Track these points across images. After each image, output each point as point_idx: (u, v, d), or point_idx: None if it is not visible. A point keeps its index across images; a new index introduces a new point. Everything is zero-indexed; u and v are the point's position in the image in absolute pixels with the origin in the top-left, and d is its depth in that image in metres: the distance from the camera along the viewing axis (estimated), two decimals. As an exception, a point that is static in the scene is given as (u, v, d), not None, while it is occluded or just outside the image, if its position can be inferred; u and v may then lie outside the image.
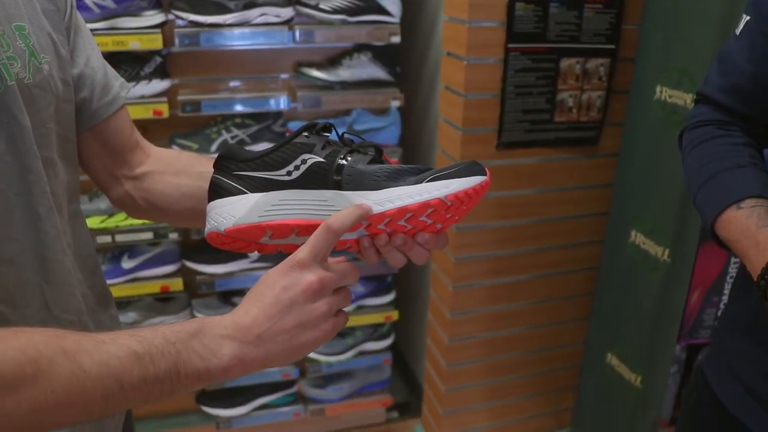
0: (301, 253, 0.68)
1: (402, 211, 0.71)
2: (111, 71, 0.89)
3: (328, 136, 0.77)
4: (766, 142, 1.08)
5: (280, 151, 0.75)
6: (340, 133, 0.78)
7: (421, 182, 0.72)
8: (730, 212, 0.93)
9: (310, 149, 0.74)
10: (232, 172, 0.76)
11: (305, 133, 0.76)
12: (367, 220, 0.72)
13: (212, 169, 0.78)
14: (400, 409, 2.51)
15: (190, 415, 2.26)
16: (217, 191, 0.76)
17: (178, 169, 0.91)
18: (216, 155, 0.78)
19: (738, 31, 1.02)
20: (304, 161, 0.74)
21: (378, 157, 0.77)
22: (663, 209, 1.75)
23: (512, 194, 1.85)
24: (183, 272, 2.01)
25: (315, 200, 0.74)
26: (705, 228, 1.00)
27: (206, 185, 0.77)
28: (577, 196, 1.92)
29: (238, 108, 1.88)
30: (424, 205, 0.71)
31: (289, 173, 0.74)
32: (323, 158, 0.73)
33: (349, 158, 0.74)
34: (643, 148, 1.79)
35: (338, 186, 0.73)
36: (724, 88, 1.05)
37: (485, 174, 0.73)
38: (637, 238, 1.84)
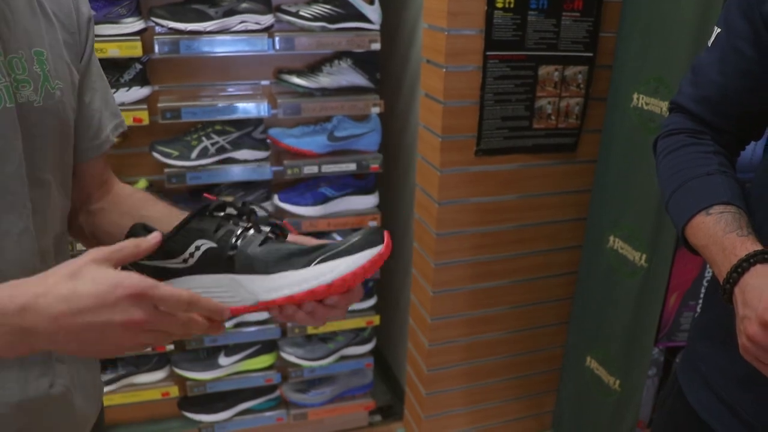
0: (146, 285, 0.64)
1: (289, 299, 0.72)
2: (110, 110, 0.92)
3: (221, 216, 0.77)
4: (737, 151, 1.11)
5: (173, 240, 0.75)
6: (239, 205, 0.77)
7: (309, 265, 0.72)
8: (699, 218, 0.95)
9: (202, 235, 0.74)
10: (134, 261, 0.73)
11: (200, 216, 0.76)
12: (260, 305, 0.73)
13: (156, 214, 0.82)
14: (383, 413, 2.52)
15: (172, 421, 2.26)
16: None
17: (123, 210, 0.92)
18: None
19: (710, 43, 1.04)
20: (197, 248, 0.74)
21: (275, 233, 0.77)
22: (640, 215, 1.77)
23: (491, 200, 1.87)
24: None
25: (212, 285, 0.75)
26: (677, 234, 1.03)
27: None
28: (556, 201, 1.94)
29: (219, 115, 1.88)
30: (310, 293, 0.72)
31: (185, 261, 0.75)
32: (215, 243, 0.74)
33: (241, 241, 0.74)
34: (620, 155, 1.81)
35: (232, 268, 0.74)
36: (696, 99, 1.08)
37: (382, 243, 0.72)
38: (615, 243, 1.86)
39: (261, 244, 0.75)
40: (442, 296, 1.93)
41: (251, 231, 0.76)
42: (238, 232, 0.75)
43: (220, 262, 0.74)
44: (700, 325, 1.13)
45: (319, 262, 0.72)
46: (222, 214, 0.77)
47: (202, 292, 0.72)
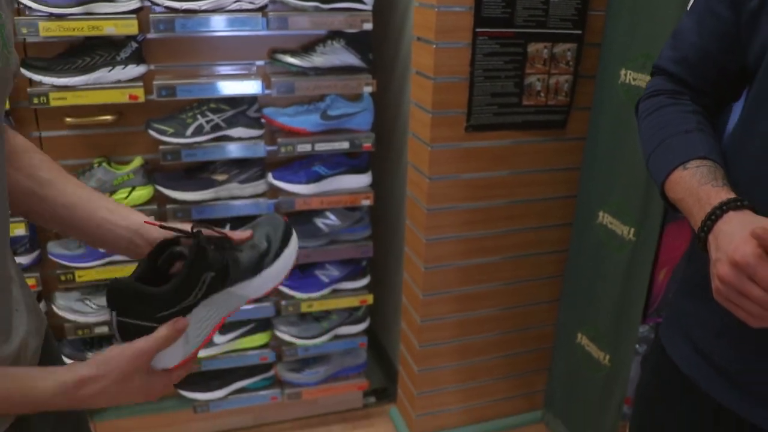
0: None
1: (273, 289, 0.97)
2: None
3: (204, 245, 0.86)
4: (717, 112, 1.14)
5: (186, 282, 0.83)
6: (193, 232, 0.87)
7: (275, 259, 0.95)
8: (677, 173, 0.98)
9: (206, 268, 0.85)
10: (155, 316, 0.81)
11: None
12: (248, 301, 0.94)
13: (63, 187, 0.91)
14: (377, 395, 2.54)
15: (167, 400, 2.28)
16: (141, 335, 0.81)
17: (16, 166, 0.89)
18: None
19: (689, 7, 1.07)
20: (204, 281, 0.85)
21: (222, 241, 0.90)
22: (628, 190, 1.79)
23: (482, 176, 1.89)
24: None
25: (213, 306, 0.88)
26: (658, 191, 1.05)
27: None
28: (546, 178, 1.96)
29: (214, 93, 1.91)
30: (283, 279, 0.97)
31: (195, 295, 0.84)
32: (214, 271, 0.86)
33: (229, 261, 0.88)
34: (609, 131, 1.84)
35: (225, 284, 0.88)
36: (676, 60, 1.11)
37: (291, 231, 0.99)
38: (604, 218, 1.88)
39: (237, 256, 0.91)
40: (433, 272, 1.95)
41: (225, 249, 0.89)
42: (220, 254, 0.88)
43: (218, 283, 0.87)
44: (683, 281, 1.15)
45: (278, 256, 0.94)
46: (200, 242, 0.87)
47: (205, 315, 0.87)
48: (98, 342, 2.09)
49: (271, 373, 2.30)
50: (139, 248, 0.92)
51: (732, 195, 0.89)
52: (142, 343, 0.79)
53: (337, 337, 2.27)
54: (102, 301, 2.01)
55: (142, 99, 1.87)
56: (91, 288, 2.05)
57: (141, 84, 1.87)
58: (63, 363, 0.94)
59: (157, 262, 0.87)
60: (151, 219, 0.93)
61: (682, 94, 1.10)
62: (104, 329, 2.05)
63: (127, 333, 0.80)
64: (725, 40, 1.01)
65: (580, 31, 1.82)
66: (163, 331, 0.80)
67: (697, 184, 0.94)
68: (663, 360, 1.13)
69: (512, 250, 2.02)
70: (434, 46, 1.73)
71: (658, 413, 1.17)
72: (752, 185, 0.93)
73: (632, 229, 1.78)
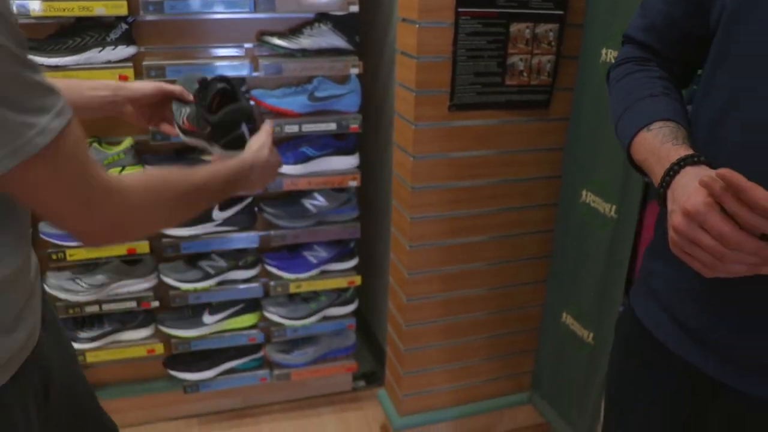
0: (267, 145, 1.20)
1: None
2: None
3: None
4: (683, 81, 1.16)
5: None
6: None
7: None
8: (641, 135, 1.01)
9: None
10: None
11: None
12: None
13: None
14: (367, 378, 2.57)
15: (158, 381, 2.31)
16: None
17: None
18: None
19: None
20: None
21: None
22: (610, 168, 1.82)
23: (466, 155, 1.92)
24: (150, 237, 2.06)
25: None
26: (627, 157, 1.08)
27: None
28: (531, 158, 1.99)
29: (203, 74, 1.93)
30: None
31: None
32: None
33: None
34: (591, 110, 1.86)
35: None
36: (643, 28, 1.14)
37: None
38: (587, 197, 1.91)
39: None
40: (418, 251, 1.98)
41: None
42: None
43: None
44: (651, 243, 1.18)
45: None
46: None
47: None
48: (89, 321, 2.12)
49: (260, 354, 2.32)
50: (118, 105, 1.19)
51: (690, 152, 0.91)
52: (264, 134, 1.20)
53: (325, 318, 2.29)
54: (92, 280, 2.04)
55: (132, 80, 1.90)
56: (82, 267, 2.08)
57: (131, 65, 1.91)
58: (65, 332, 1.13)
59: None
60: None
61: (649, 61, 1.13)
62: (95, 308, 2.08)
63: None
64: (689, 5, 1.04)
65: (561, 12, 1.85)
66: (267, 125, 1.22)
67: (658, 144, 0.96)
68: (633, 322, 1.16)
69: (497, 230, 2.04)
70: (417, 25, 1.76)
71: (629, 374, 1.20)
72: (709, 144, 0.96)
73: (614, 207, 1.81)
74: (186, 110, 1.25)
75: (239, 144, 1.18)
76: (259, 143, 1.17)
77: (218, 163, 1.08)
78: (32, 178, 0.73)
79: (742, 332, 0.94)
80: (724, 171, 0.75)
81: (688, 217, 0.81)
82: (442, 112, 1.85)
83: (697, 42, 1.06)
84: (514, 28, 1.83)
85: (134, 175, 0.90)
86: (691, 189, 0.83)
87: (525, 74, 1.89)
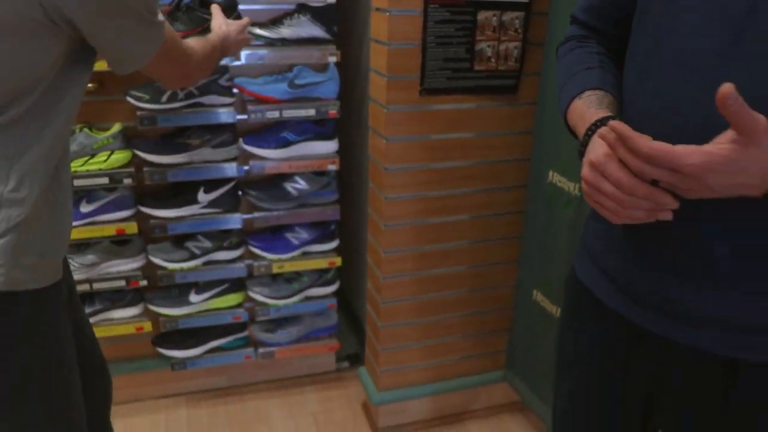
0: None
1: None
2: None
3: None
4: (622, 56, 1.26)
5: None
6: None
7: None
8: (573, 103, 1.11)
9: None
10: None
11: None
12: None
13: None
14: (351, 360, 2.66)
15: (147, 360, 2.41)
16: None
17: None
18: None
19: None
20: None
21: None
22: (574, 148, 1.90)
23: (438, 138, 2.01)
24: (138, 217, 2.16)
25: None
26: (565, 126, 1.17)
27: None
28: (500, 142, 2.08)
29: None
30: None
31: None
32: None
33: None
34: (555, 94, 1.95)
35: None
36: (584, 8, 1.24)
37: None
38: (553, 177, 2.00)
39: None
40: (393, 230, 2.07)
41: None
42: None
43: None
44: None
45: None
46: None
47: None
48: (80, 299, 2.21)
49: (245, 333, 2.42)
50: None
51: (609, 114, 1.01)
52: (239, 23, 1.68)
53: (308, 298, 2.39)
54: (83, 259, 2.14)
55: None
56: (74, 247, 2.17)
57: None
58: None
59: None
60: None
61: (589, 39, 1.22)
62: (86, 287, 2.17)
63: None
64: None
65: (526, 0, 1.95)
66: (245, 20, 1.72)
67: (585, 110, 1.06)
68: (575, 282, 1.24)
69: (469, 211, 2.13)
70: (388, 14, 1.86)
71: (572, 331, 1.28)
72: (627, 107, 1.05)
73: (576, 185, 1.90)
74: None
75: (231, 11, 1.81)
76: (231, 25, 1.65)
77: (212, 36, 1.54)
78: (158, 55, 1.16)
79: (654, 279, 1.02)
80: (615, 123, 0.84)
81: (593, 168, 0.90)
82: (414, 96, 1.95)
83: (631, 20, 1.15)
84: (482, 16, 1.93)
85: (190, 43, 1.34)
86: (597, 143, 0.93)
87: (493, 60, 1.98)
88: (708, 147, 0.78)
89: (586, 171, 0.92)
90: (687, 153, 0.78)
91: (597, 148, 0.91)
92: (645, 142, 0.81)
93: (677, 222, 0.90)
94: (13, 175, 1.05)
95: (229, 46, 1.62)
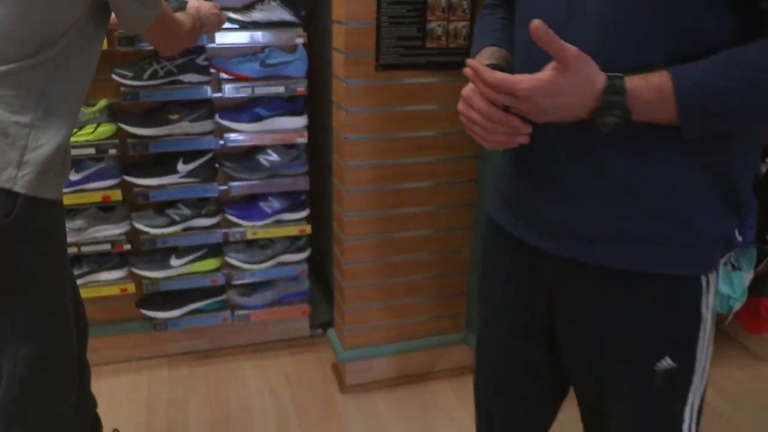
0: None
1: None
2: None
3: None
4: None
5: None
6: None
7: None
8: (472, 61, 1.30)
9: None
10: None
11: None
12: None
13: None
14: (324, 327, 2.84)
15: (132, 323, 2.60)
16: None
17: None
18: None
19: None
20: None
21: None
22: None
23: (393, 110, 2.21)
24: (122, 185, 2.36)
25: None
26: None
27: None
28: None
29: None
30: None
31: None
32: None
33: None
34: (500, 69, 2.15)
35: None
36: None
37: None
38: (499, 146, 2.19)
39: None
40: (354, 195, 2.26)
41: None
42: None
43: None
44: None
45: None
46: None
47: None
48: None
49: (223, 297, 2.61)
50: None
51: (495, 62, 1.20)
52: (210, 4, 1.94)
53: (280, 264, 2.58)
54: (72, 224, 2.34)
55: (105, 47, 2.21)
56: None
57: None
58: None
59: None
60: None
61: (498, 7, 1.41)
62: (74, 250, 2.37)
63: None
64: None
65: (472, -15, 2.15)
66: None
67: (479, 61, 1.25)
68: (489, 220, 1.39)
69: (425, 179, 2.32)
70: (346, -5, 2.06)
71: (485, 264, 1.43)
72: (515, 56, 1.24)
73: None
74: None
75: None
76: (203, 5, 1.93)
77: (190, 11, 1.84)
78: (157, 21, 1.50)
79: (529, 199, 1.18)
80: (470, 60, 1.03)
81: (464, 100, 1.09)
82: (370, 71, 2.15)
83: None
84: (432, -2, 2.14)
85: (180, 16, 1.69)
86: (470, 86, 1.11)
87: (443, 38, 2.18)
88: (536, 74, 0.97)
89: (459, 104, 1.11)
90: (519, 80, 0.96)
91: (469, 84, 1.10)
92: (490, 73, 0.99)
93: (539, 146, 1.09)
94: (40, 107, 1.36)
95: (204, 23, 1.90)
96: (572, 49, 0.93)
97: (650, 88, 0.94)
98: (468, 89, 1.07)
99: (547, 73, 0.95)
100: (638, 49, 0.97)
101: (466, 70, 1.03)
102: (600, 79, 0.95)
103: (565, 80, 0.95)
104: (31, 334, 1.45)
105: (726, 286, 2.54)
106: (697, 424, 1.25)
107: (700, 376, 1.20)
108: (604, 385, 1.23)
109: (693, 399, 1.21)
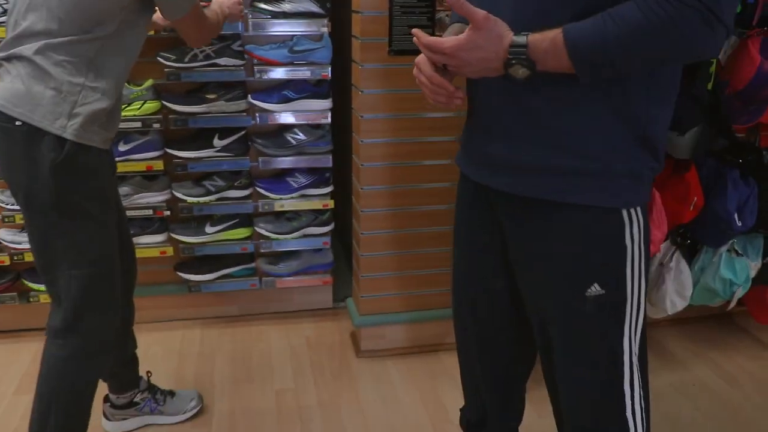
0: None
1: None
2: None
3: None
4: None
5: None
6: None
7: None
8: None
9: None
10: None
11: None
12: None
13: None
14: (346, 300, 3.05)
15: (170, 285, 2.86)
16: None
17: None
18: None
19: None
20: None
21: None
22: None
23: (406, 92, 2.41)
24: (164, 157, 2.64)
25: None
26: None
27: None
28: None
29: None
30: None
31: None
32: None
33: None
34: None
35: None
36: None
37: None
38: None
39: None
40: (369, 169, 2.47)
41: None
42: None
43: None
44: None
45: None
46: None
47: None
48: (116, 226, 2.70)
49: (253, 264, 2.85)
50: None
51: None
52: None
53: (305, 235, 2.81)
54: (121, 190, 2.61)
55: (152, 33, 2.49)
56: (112, 181, 2.66)
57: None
58: None
59: None
60: None
61: None
62: (121, 215, 2.65)
63: None
64: None
65: (480, -23, 2.34)
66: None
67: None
68: (461, 174, 1.58)
69: (436, 157, 2.51)
70: (362, -14, 2.29)
71: (457, 210, 1.60)
72: None
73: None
74: None
75: None
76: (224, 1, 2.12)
77: (214, 7, 2.04)
78: (190, 12, 1.76)
79: (480, 144, 1.37)
80: (415, 29, 1.25)
81: (416, 65, 1.32)
82: (384, 56, 2.36)
83: None
84: (441, -11, 2.34)
85: (206, 12, 1.90)
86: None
87: (452, 27, 2.38)
88: (459, 35, 1.19)
89: (414, 69, 1.33)
90: (446, 40, 1.20)
91: (420, 54, 1.31)
92: (425, 38, 1.23)
93: (484, 101, 1.32)
94: (91, 73, 1.66)
95: (225, 16, 2.11)
96: (480, 12, 1.15)
97: (546, 39, 1.14)
98: (419, 57, 1.30)
99: (465, 33, 1.19)
100: (543, 17, 1.17)
101: (414, 39, 1.26)
102: (508, 35, 1.17)
103: (480, 38, 1.17)
104: (79, 258, 1.72)
105: (729, 272, 2.62)
106: (640, 360, 1.39)
107: (634, 306, 1.35)
108: (544, 312, 1.40)
109: (630, 331, 1.36)
